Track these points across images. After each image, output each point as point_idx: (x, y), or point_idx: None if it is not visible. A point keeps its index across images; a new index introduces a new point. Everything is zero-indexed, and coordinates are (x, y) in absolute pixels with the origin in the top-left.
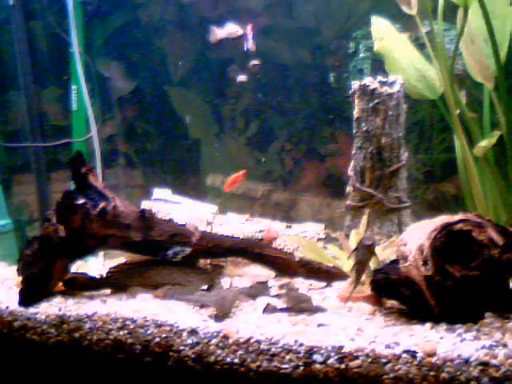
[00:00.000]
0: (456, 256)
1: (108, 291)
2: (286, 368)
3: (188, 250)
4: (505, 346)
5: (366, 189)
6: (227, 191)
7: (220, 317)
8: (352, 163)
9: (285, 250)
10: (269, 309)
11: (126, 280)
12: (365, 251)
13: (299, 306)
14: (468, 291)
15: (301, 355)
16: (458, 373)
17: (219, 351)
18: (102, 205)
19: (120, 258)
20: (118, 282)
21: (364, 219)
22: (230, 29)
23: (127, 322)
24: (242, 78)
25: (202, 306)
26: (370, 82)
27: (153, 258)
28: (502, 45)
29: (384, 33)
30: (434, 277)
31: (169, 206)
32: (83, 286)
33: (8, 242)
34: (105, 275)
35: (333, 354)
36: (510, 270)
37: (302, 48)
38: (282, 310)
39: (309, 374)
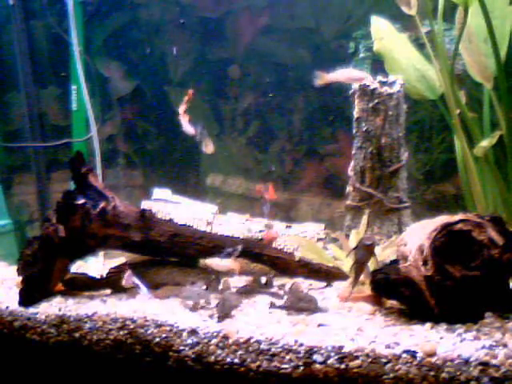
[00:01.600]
0: (456, 256)
1: (108, 291)
2: (285, 368)
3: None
4: (505, 346)
5: (366, 189)
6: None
7: (220, 317)
8: (352, 163)
9: (285, 250)
10: (273, 306)
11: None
12: (364, 251)
13: (301, 304)
14: (468, 291)
15: (301, 355)
16: (458, 373)
17: (219, 351)
18: (102, 205)
19: (120, 258)
20: (119, 282)
21: (364, 219)
22: (343, 74)
23: (127, 322)
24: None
25: (202, 307)
26: (370, 81)
27: (152, 258)
28: (502, 44)
29: (384, 33)
30: (434, 277)
31: (169, 205)
32: (83, 286)
33: (8, 242)
34: (105, 275)
35: (333, 354)
36: (510, 270)
37: (302, 48)
38: (281, 307)
39: (309, 374)
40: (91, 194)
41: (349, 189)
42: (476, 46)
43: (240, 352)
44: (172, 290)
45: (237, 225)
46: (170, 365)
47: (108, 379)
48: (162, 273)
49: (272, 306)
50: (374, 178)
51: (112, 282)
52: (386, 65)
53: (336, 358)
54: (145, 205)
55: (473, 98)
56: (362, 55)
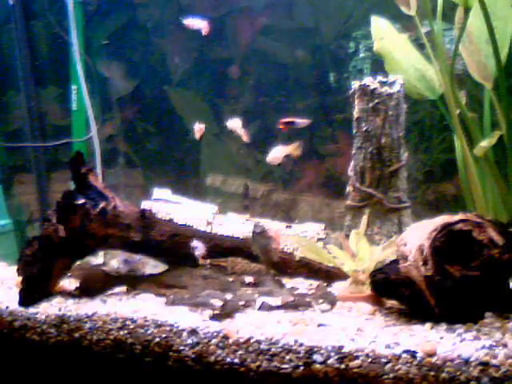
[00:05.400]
0: (456, 256)
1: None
2: (285, 368)
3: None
4: (505, 346)
5: (366, 189)
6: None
7: (220, 317)
8: (352, 163)
9: (285, 250)
10: (264, 307)
11: (140, 280)
12: (262, 239)
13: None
14: (468, 291)
15: (301, 355)
16: (458, 373)
17: (219, 351)
18: (102, 205)
19: None
20: (131, 280)
21: (364, 219)
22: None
23: (127, 322)
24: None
25: (203, 308)
26: (370, 81)
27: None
28: (503, 46)
29: (384, 33)
30: (434, 277)
31: (169, 205)
32: (100, 284)
33: (8, 242)
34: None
35: (333, 354)
36: (510, 270)
37: (302, 48)
38: (279, 307)
39: (309, 374)
40: (91, 194)
41: (349, 189)
42: (476, 47)
43: (240, 352)
44: (179, 295)
45: (237, 225)
46: (170, 365)
47: (108, 379)
48: (172, 274)
49: (262, 308)
50: (374, 178)
51: (128, 279)
52: (386, 65)
53: (336, 358)
54: (145, 205)
55: (473, 98)
56: (362, 55)
